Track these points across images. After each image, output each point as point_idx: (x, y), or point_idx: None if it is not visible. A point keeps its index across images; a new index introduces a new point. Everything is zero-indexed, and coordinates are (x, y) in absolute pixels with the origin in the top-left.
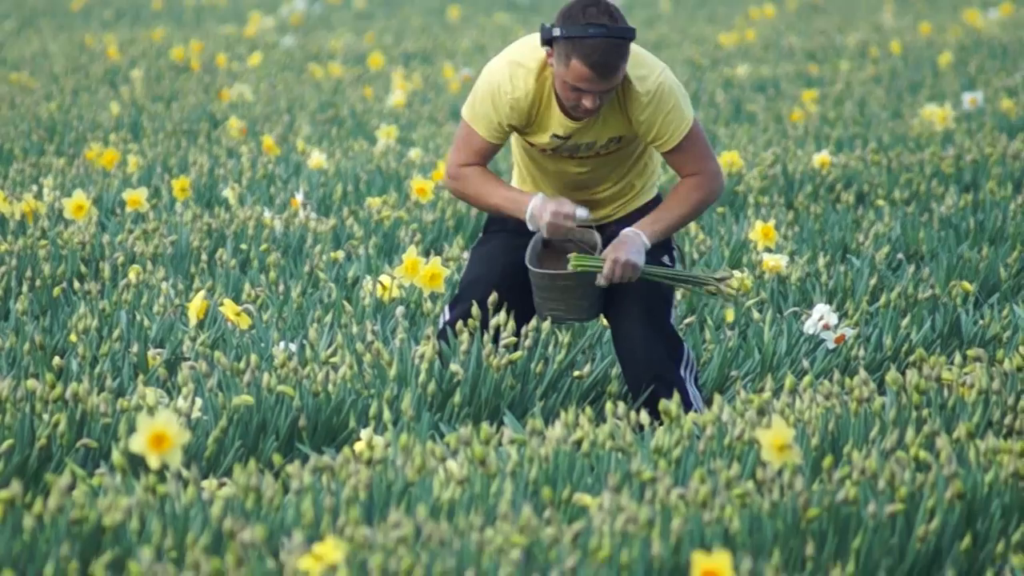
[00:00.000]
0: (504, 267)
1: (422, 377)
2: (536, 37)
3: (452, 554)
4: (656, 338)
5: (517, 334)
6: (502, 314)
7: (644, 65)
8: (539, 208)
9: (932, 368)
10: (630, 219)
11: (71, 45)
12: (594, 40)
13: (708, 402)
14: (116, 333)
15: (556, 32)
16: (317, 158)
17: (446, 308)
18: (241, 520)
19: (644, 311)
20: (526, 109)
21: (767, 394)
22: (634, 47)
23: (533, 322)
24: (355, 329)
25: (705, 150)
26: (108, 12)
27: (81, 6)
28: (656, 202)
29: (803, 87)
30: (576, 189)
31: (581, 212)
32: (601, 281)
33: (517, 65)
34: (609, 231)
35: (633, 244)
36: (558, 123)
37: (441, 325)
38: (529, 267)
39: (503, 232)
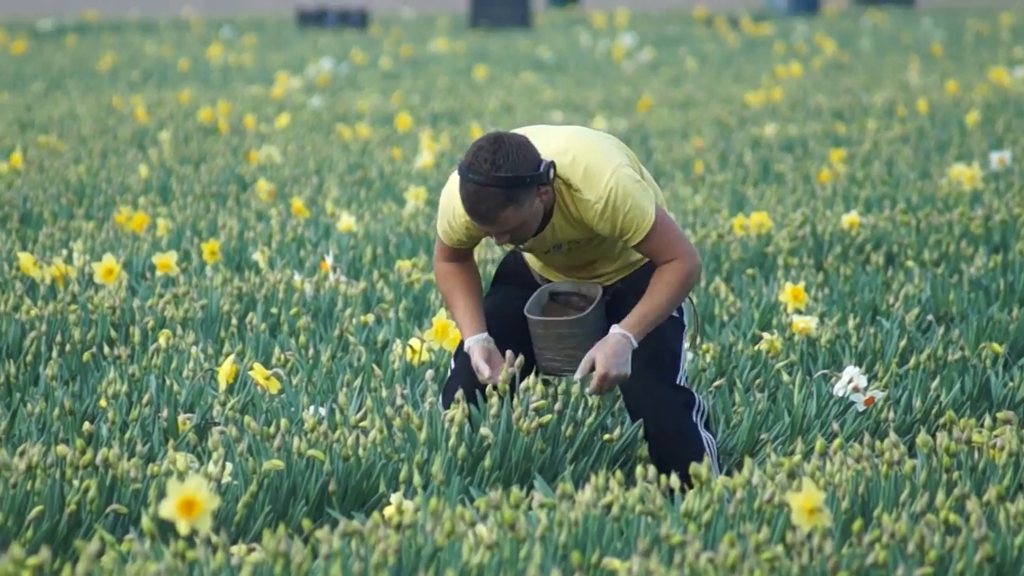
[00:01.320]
0: (503, 320)
1: (452, 441)
2: None
3: None
4: (666, 392)
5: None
6: (531, 377)
7: (592, 175)
8: (471, 351)
9: (962, 430)
10: (634, 277)
11: (99, 107)
12: (470, 186)
13: (739, 465)
14: (146, 398)
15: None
16: (346, 221)
17: (439, 401)
18: None
19: (650, 364)
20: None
21: (797, 457)
22: (587, 145)
23: (562, 385)
24: (385, 393)
25: (674, 235)
26: (135, 73)
27: (108, 67)
28: None
29: (831, 147)
30: (573, 269)
31: (506, 372)
32: (587, 391)
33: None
34: (614, 288)
35: (621, 353)
36: None
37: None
38: (527, 315)
39: (508, 284)
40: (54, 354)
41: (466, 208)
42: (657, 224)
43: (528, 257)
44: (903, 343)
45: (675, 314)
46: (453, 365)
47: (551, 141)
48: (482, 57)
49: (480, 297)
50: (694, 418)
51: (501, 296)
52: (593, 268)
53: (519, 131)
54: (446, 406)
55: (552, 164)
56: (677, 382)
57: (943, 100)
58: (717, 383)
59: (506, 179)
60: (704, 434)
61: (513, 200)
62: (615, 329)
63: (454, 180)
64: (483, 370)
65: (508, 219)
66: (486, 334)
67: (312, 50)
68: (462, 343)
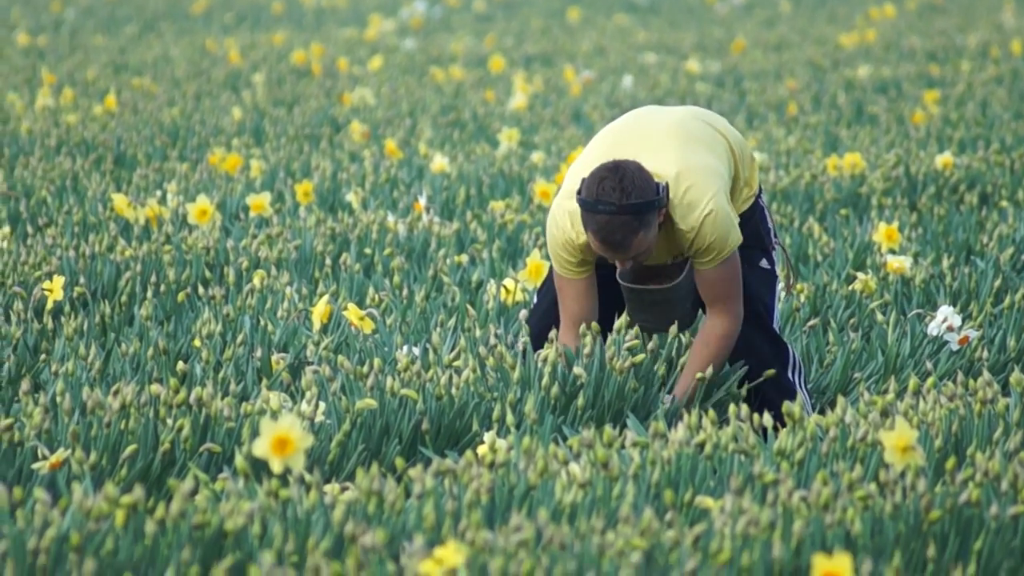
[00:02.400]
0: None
1: (545, 380)
2: (582, 163)
3: (573, 557)
4: (760, 342)
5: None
6: (624, 317)
7: (691, 202)
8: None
9: None
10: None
11: (192, 49)
12: (602, 217)
13: (832, 404)
14: (240, 338)
15: (578, 199)
16: (440, 162)
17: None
18: (363, 524)
19: (745, 318)
20: (593, 249)
21: (891, 396)
22: (690, 173)
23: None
24: (478, 333)
25: (735, 287)
26: (229, 16)
27: (202, 10)
28: (754, 211)
29: (925, 88)
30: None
31: None
32: None
33: (573, 214)
34: None
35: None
36: None
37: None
38: (620, 281)
39: None
40: (148, 294)
41: (599, 239)
42: (728, 264)
43: None
44: (997, 283)
45: (765, 265)
46: (536, 301)
47: (658, 156)
48: None
49: (595, 309)
50: (791, 375)
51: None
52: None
53: (634, 112)
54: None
55: (667, 186)
56: (774, 333)
57: None
58: (811, 323)
59: (637, 205)
60: (802, 393)
61: (644, 225)
62: (668, 402)
63: (556, 211)
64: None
65: (639, 244)
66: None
67: None
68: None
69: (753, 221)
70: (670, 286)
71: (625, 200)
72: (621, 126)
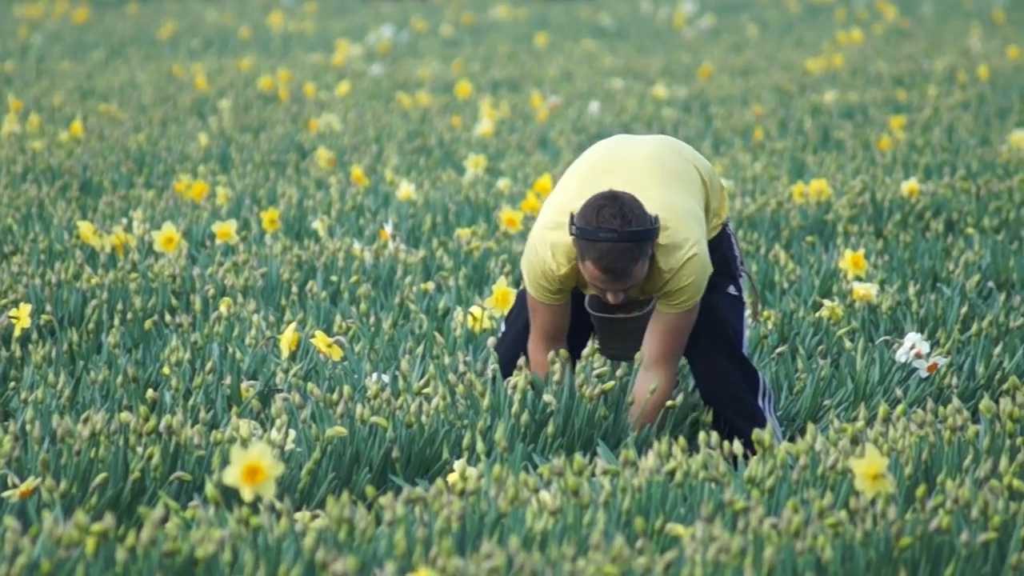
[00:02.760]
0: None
1: (515, 408)
2: (563, 194)
3: None
4: (730, 369)
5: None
6: (591, 345)
7: (674, 243)
8: None
9: None
10: None
11: (159, 75)
12: (603, 245)
13: (801, 431)
14: (209, 365)
15: (573, 230)
16: (406, 189)
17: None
18: (334, 552)
19: (714, 343)
20: (573, 278)
21: (860, 423)
22: (674, 216)
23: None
24: (447, 360)
25: (680, 346)
26: (196, 41)
27: (169, 35)
28: (722, 238)
29: (891, 113)
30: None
31: None
32: None
33: (558, 242)
34: None
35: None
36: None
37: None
38: (589, 310)
39: None
40: (116, 322)
41: (600, 267)
42: (688, 316)
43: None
44: (964, 309)
45: (733, 291)
46: (504, 328)
47: (641, 194)
48: (543, 24)
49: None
50: (760, 401)
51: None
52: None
53: (606, 143)
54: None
55: (657, 217)
56: (743, 359)
57: (1004, 66)
58: (779, 349)
59: (638, 232)
60: (771, 420)
61: (642, 254)
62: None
63: (536, 241)
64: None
65: (637, 273)
66: None
67: (373, 18)
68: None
69: (721, 248)
70: (638, 315)
71: (627, 227)
72: (598, 158)
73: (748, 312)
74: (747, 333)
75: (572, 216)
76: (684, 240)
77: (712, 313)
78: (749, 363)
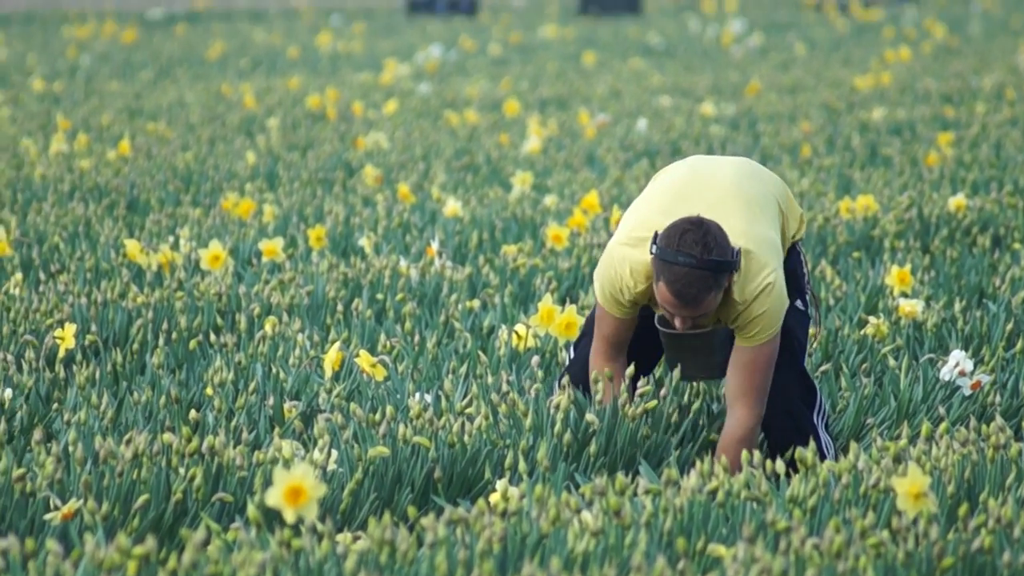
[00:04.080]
0: (638, 330)
1: (557, 427)
2: (644, 211)
3: None
4: (789, 384)
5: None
6: (631, 367)
7: (750, 272)
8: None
9: None
10: None
11: (208, 95)
12: (681, 269)
13: (844, 450)
14: (252, 386)
15: (653, 249)
16: (452, 206)
17: (571, 349)
18: (375, 574)
19: (778, 361)
20: (646, 296)
21: (903, 441)
22: (753, 245)
23: (667, 370)
24: (490, 379)
25: (764, 380)
26: (244, 61)
27: (218, 55)
28: (791, 256)
29: (939, 130)
30: None
31: None
32: None
33: (636, 259)
34: None
35: None
36: None
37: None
38: (657, 327)
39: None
40: (160, 342)
41: (672, 292)
42: (767, 347)
43: None
44: (1010, 326)
45: (800, 305)
46: (572, 356)
47: (725, 222)
48: (591, 43)
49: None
50: (815, 419)
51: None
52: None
53: (686, 163)
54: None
55: (739, 250)
56: (804, 372)
57: None
58: (824, 368)
59: (717, 263)
60: (824, 437)
61: (718, 284)
62: None
63: (614, 255)
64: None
65: (710, 303)
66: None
67: (421, 37)
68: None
69: (790, 263)
70: (707, 331)
71: (706, 255)
72: (680, 179)
73: (812, 330)
74: (808, 349)
75: (656, 235)
76: (760, 271)
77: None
78: (809, 378)
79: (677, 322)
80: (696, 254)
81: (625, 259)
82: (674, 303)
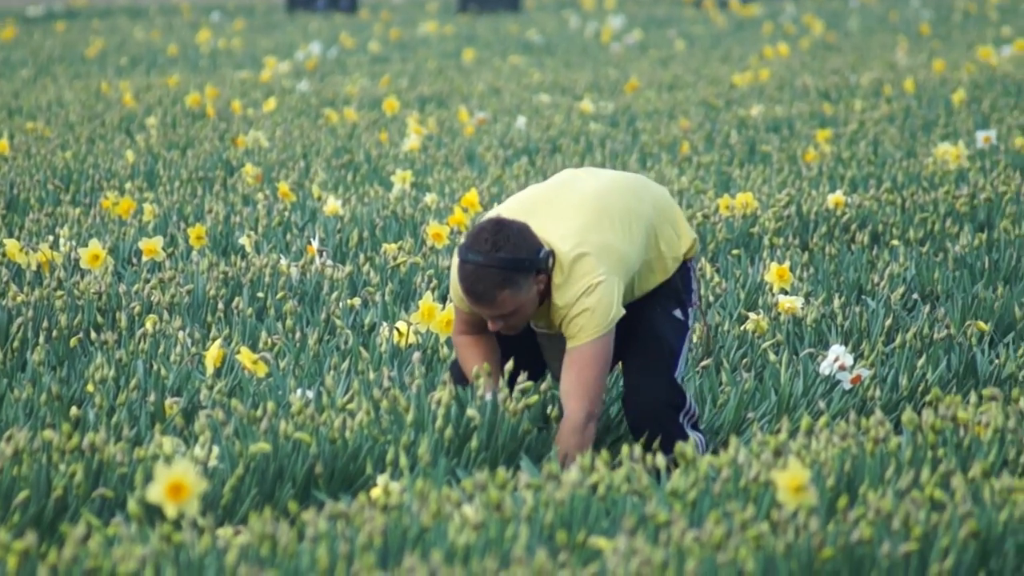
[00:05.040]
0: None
1: (439, 423)
2: (498, 212)
3: None
4: (657, 388)
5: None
6: (511, 362)
7: (572, 276)
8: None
9: (948, 407)
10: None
11: (87, 93)
12: (468, 266)
13: (725, 444)
14: (133, 383)
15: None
16: (333, 204)
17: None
18: (256, 568)
19: (646, 363)
20: None
21: (783, 435)
22: (583, 247)
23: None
24: (372, 376)
25: (590, 378)
26: (124, 59)
27: (97, 53)
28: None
29: (817, 127)
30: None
31: None
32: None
33: None
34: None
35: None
36: None
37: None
38: (534, 327)
39: None
40: (41, 339)
41: (464, 288)
42: (594, 346)
43: None
44: (888, 322)
45: (678, 315)
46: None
47: (560, 225)
48: (471, 40)
49: (497, 363)
50: (680, 419)
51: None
52: None
53: (571, 172)
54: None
55: (551, 253)
56: (673, 379)
57: (930, 79)
58: (704, 363)
59: (505, 260)
60: (692, 434)
61: (510, 283)
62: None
63: (457, 254)
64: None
65: (505, 302)
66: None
67: (301, 34)
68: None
69: (674, 280)
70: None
71: (494, 252)
72: (548, 186)
73: (698, 344)
74: (684, 356)
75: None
76: (586, 273)
77: (651, 331)
78: (678, 385)
79: (489, 324)
80: (484, 251)
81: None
82: (467, 300)
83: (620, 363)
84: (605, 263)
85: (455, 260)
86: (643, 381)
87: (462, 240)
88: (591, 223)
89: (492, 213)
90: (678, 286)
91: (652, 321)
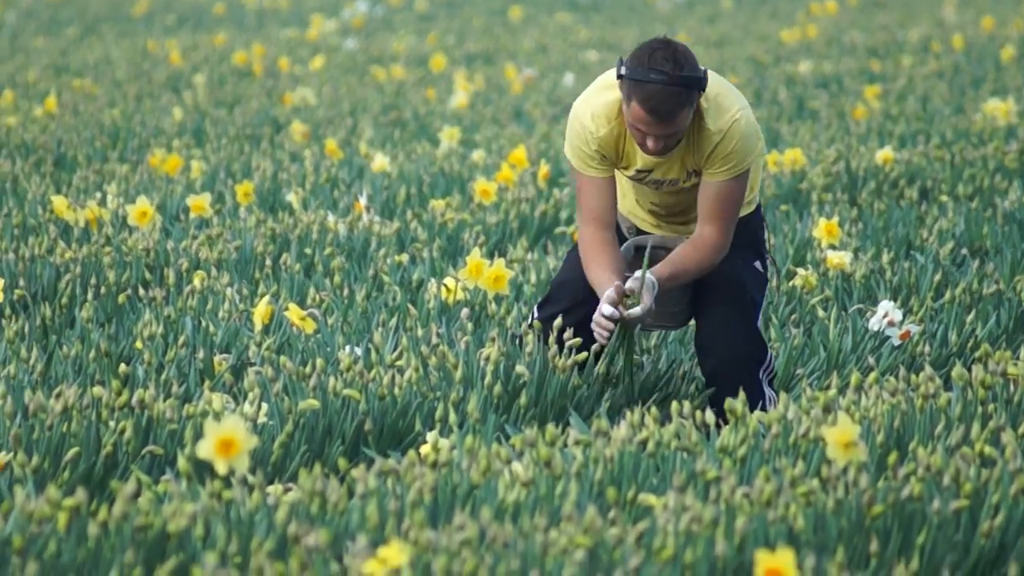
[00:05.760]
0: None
1: (488, 379)
2: (610, 72)
3: (516, 556)
4: (740, 340)
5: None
6: (560, 318)
7: (721, 105)
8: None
9: (998, 363)
10: None
11: (134, 51)
12: (653, 86)
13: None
14: (182, 339)
15: (622, 71)
16: (380, 161)
17: (535, 308)
18: (306, 525)
19: (728, 313)
20: (612, 144)
21: (833, 392)
22: (718, 83)
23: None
24: (420, 332)
25: (734, 210)
26: (170, 17)
27: (143, 11)
28: (754, 217)
29: (865, 83)
30: (669, 215)
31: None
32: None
33: (598, 103)
34: None
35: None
36: (640, 157)
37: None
38: (629, 242)
39: None
40: (89, 296)
41: (647, 108)
42: (739, 181)
43: (621, 201)
44: (938, 277)
45: (759, 267)
46: (559, 276)
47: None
48: None
49: (619, 270)
50: (760, 375)
51: None
52: (689, 217)
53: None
54: (544, 321)
55: (707, 71)
56: (756, 331)
57: (978, 36)
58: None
59: (688, 79)
60: (767, 391)
61: (690, 101)
62: (650, 276)
63: (585, 103)
64: (606, 316)
65: (682, 120)
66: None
67: None
68: (572, 249)
69: (752, 224)
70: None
71: (678, 71)
72: None
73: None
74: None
75: (621, 60)
76: (732, 104)
77: (735, 279)
78: (761, 336)
79: (649, 143)
80: (668, 70)
81: (588, 105)
82: (647, 120)
83: (697, 315)
84: (741, 98)
85: (584, 109)
86: (725, 332)
87: (621, 63)
88: (712, 74)
89: (603, 76)
90: (756, 234)
91: (735, 270)
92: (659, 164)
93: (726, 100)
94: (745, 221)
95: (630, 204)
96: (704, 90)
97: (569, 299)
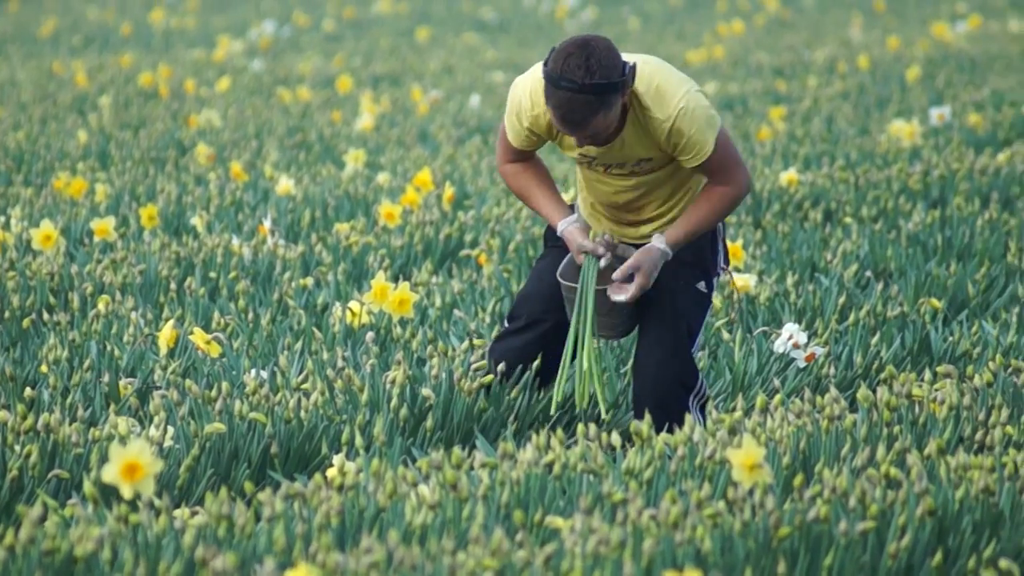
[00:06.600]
0: (550, 284)
1: (394, 402)
2: None
3: None
4: (671, 364)
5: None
6: (466, 342)
7: (665, 93)
8: (567, 233)
9: (902, 385)
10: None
11: (39, 72)
12: (564, 93)
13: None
14: (87, 363)
15: (544, 70)
16: (285, 184)
17: (504, 322)
18: (213, 548)
19: (661, 337)
20: (545, 125)
21: (738, 414)
22: (658, 70)
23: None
24: (326, 356)
25: (731, 160)
26: (77, 38)
27: (50, 32)
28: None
29: (771, 104)
30: (622, 207)
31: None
32: (624, 299)
33: (538, 81)
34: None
35: (657, 266)
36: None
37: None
38: (560, 279)
39: (557, 247)
40: None
41: (557, 116)
42: (717, 151)
43: (579, 180)
44: (842, 299)
45: (703, 288)
46: (523, 290)
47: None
48: (425, 18)
49: (554, 185)
50: (690, 401)
51: (548, 260)
52: (641, 208)
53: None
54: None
55: (634, 66)
56: (688, 357)
57: (884, 56)
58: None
59: (600, 86)
60: (695, 415)
61: (605, 105)
62: (657, 243)
63: (528, 77)
64: (589, 246)
65: (598, 124)
66: (576, 214)
67: (255, 13)
68: (537, 261)
69: (701, 242)
70: (601, 288)
71: (588, 79)
72: None
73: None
74: (702, 333)
75: (553, 49)
76: (675, 88)
77: (671, 305)
78: (693, 364)
79: (575, 140)
80: (578, 79)
81: (527, 83)
82: (561, 125)
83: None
84: (685, 81)
85: (526, 85)
86: (656, 357)
87: (545, 61)
88: (655, 60)
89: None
90: (704, 251)
91: (674, 295)
92: (600, 152)
93: (668, 86)
94: (694, 244)
95: (588, 209)
96: (623, 91)
97: (532, 312)
